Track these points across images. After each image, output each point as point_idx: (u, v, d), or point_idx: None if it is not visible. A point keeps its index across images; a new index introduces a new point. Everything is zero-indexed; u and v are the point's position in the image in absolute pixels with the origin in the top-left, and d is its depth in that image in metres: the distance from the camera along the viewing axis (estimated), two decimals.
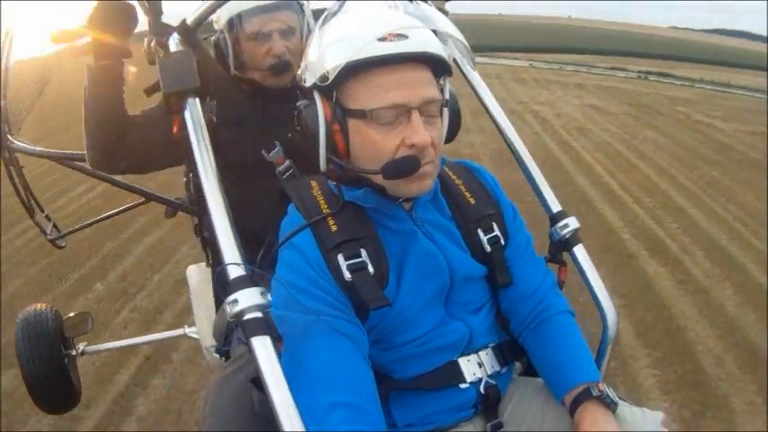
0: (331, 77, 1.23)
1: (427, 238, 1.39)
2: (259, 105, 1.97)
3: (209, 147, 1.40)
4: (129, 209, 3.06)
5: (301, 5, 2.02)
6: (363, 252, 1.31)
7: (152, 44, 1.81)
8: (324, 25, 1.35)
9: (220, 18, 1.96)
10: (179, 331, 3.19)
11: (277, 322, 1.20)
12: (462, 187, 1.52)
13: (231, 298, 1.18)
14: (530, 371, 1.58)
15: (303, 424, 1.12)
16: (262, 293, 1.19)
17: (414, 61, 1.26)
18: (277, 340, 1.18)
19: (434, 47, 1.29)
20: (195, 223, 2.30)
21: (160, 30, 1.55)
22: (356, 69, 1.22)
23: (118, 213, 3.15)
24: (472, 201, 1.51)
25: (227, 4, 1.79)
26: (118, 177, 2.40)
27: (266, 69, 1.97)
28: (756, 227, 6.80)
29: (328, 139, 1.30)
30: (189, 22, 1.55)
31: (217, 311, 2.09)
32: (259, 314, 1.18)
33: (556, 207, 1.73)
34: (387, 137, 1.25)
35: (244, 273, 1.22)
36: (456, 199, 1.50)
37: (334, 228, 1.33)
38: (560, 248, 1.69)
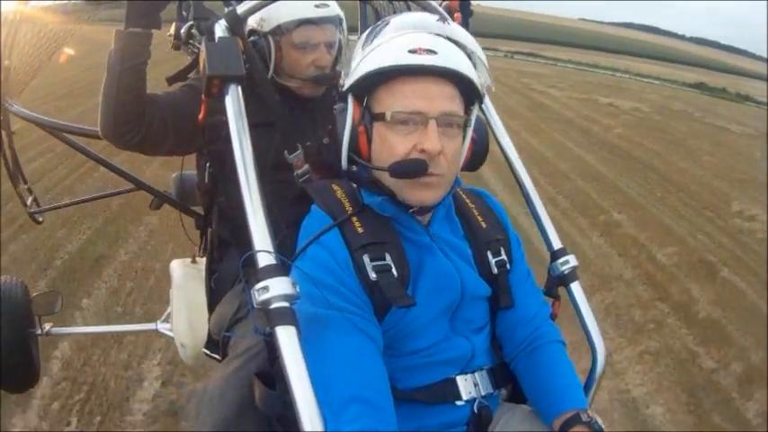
0: (359, 82, 1.31)
1: (442, 253, 1.42)
2: (286, 110, 1.95)
3: (248, 134, 1.38)
4: (113, 194, 2.98)
5: (341, 21, 2.03)
6: (388, 256, 1.33)
7: (188, 29, 1.79)
8: (368, 38, 1.41)
9: (265, 20, 1.93)
10: (150, 325, 3.10)
11: (299, 315, 1.18)
12: (475, 211, 1.56)
13: (261, 285, 1.16)
14: (514, 398, 1.60)
15: (320, 416, 1.11)
16: (292, 284, 1.17)
17: (440, 76, 1.31)
18: (299, 333, 1.16)
19: (462, 67, 1.34)
20: (197, 216, 2.25)
21: (204, 15, 1.54)
22: (385, 76, 1.30)
23: (102, 197, 3.07)
24: (484, 224, 1.55)
25: (275, 9, 1.80)
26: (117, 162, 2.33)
27: (308, 79, 1.96)
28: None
29: (353, 140, 1.37)
30: (239, 11, 1.54)
31: (212, 308, 2.02)
32: (287, 304, 1.16)
33: (557, 244, 1.76)
34: (402, 140, 1.30)
35: (274, 261, 1.21)
36: (469, 220, 1.54)
37: (360, 230, 1.34)
38: (558, 283, 1.72)
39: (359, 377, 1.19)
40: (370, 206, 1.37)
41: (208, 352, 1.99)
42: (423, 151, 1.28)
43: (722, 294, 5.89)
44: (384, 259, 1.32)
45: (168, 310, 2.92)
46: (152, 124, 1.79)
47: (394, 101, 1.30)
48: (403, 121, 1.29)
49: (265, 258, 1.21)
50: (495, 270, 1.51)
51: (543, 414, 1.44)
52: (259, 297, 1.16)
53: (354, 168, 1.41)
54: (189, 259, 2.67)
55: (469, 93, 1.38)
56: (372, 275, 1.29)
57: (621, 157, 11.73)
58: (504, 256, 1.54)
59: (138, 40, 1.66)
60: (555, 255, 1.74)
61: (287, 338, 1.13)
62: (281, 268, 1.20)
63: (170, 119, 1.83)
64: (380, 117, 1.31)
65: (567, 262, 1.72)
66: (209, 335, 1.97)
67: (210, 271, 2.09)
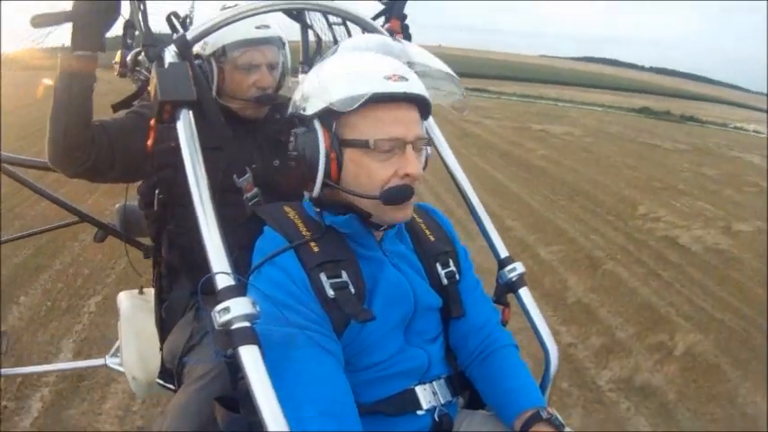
0: (340, 108, 1.27)
1: (395, 267, 1.44)
2: (230, 134, 1.93)
3: (201, 159, 1.38)
4: (57, 228, 2.90)
5: (284, 43, 2.03)
6: (344, 273, 1.34)
7: (134, 56, 1.77)
8: (324, 62, 1.42)
9: (208, 44, 1.92)
10: (99, 361, 3.01)
11: (259, 335, 1.17)
12: (423, 225, 1.59)
13: (222, 306, 1.15)
14: (471, 405, 1.63)
15: None
16: (252, 303, 1.17)
17: (410, 101, 1.34)
18: (261, 352, 1.15)
19: (424, 90, 1.37)
20: (144, 246, 2.20)
21: (152, 41, 1.53)
22: (360, 101, 1.27)
23: (47, 230, 2.99)
24: (432, 238, 1.58)
25: (223, 32, 1.78)
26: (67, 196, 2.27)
27: (250, 100, 1.95)
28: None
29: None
30: (189, 37, 1.54)
31: (163, 338, 1.98)
32: (248, 323, 1.15)
33: (504, 253, 1.80)
34: (382, 166, 1.31)
35: (233, 282, 1.20)
36: (418, 235, 1.57)
37: (315, 249, 1.34)
38: (506, 290, 1.76)
39: (324, 393, 1.20)
40: (333, 225, 1.38)
41: (162, 382, 1.94)
42: (406, 176, 1.31)
43: (601, 282, 6.24)
44: (341, 276, 1.33)
45: (117, 344, 2.83)
46: (101, 150, 1.75)
47: (371, 128, 1.30)
48: (384, 148, 1.30)
49: (224, 280, 1.20)
50: (445, 281, 1.54)
51: (503, 416, 1.47)
52: (220, 318, 1.14)
53: (324, 192, 1.39)
54: (136, 290, 2.61)
55: (424, 111, 1.41)
56: (330, 293, 1.30)
57: (534, 175, 12.16)
58: (452, 268, 1.57)
59: (84, 63, 1.62)
60: (502, 263, 1.78)
61: (251, 358, 1.12)
62: (240, 288, 1.20)
63: (118, 145, 1.79)
64: (357, 144, 1.30)
65: (514, 269, 1.75)
66: (163, 364, 1.92)
67: (160, 300, 2.05)
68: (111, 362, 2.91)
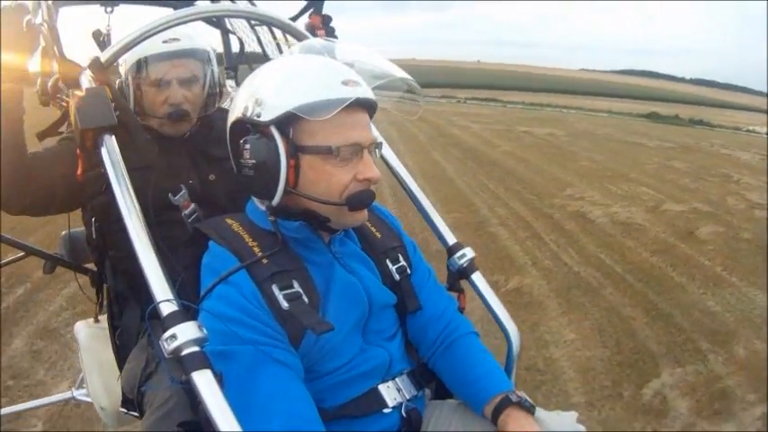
0: (306, 115, 1.24)
1: (345, 269, 1.41)
2: (158, 150, 1.87)
3: (129, 184, 1.33)
4: (7, 263, 2.78)
5: (208, 54, 1.96)
6: (295, 283, 1.30)
7: (54, 82, 1.70)
8: (273, 67, 1.40)
9: (126, 61, 1.86)
10: (66, 395, 2.91)
11: (213, 357, 1.14)
12: (368, 223, 1.56)
13: (168, 333, 1.11)
14: (438, 395, 1.62)
15: None
16: (198, 327, 1.13)
17: (362, 106, 1.33)
18: (216, 374, 1.12)
19: (372, 94, 1.36)
20: (89, 275, 2.12)
21: (69, 67, 1.46)
22: (318, 107, 1.24)
23: None
24: (378, 235, 1.56)
25: (135, 48, 1.72)
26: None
27: (163, 117, 1.88)
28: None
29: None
30: (102, 59, 1.48)
31: (121, 365, 1.92)
32: (197, 348, 1.12)
33: (451, 239, 1.80)
34: (342, 171, 1.30)
35: (177, 308, 1.16)
36: (363, 233, 1.55)
37: (264, 261, 1.31)
38: (459, 277, 1.75)
39: (284, 408, 1.18)
40: (283, 232, 1.35)
41: (125, 411, 1.89)
42: (366, 180, 1.31)
43: (476, 239, 6.73)
44: (292, 287, 1.30)
45: (81, 375, 2.75)
46: (39, 184, 1.68)
47: (332, 134, 1.28)
48: (345, 154, 1.28)
49: (168, 307, 1.16)
50: (397, 276, 1.53)
51: (472, 403, 1.46)
52: (169, 346, 1.11)
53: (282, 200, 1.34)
54: (91, 319, 2.51)
55: (372, 117, 1.40)
56: (285, 305, 1.26)
57: (482, 164, 12.67)
58: (403, 262, 1.56)
59: (13, 95, 1.56)
60: (451, 250, 1.78)
61: (205, 382, 1.09)
62: (186, 314, 1.16)
63: (57, 176, 1.72)
64: (317, 150, 1.28)
65: (464, 255, 1.75)
66: (124, 393, 1.86)
67: (113, 327, 1.98)
68: (79, 394, 2.82)
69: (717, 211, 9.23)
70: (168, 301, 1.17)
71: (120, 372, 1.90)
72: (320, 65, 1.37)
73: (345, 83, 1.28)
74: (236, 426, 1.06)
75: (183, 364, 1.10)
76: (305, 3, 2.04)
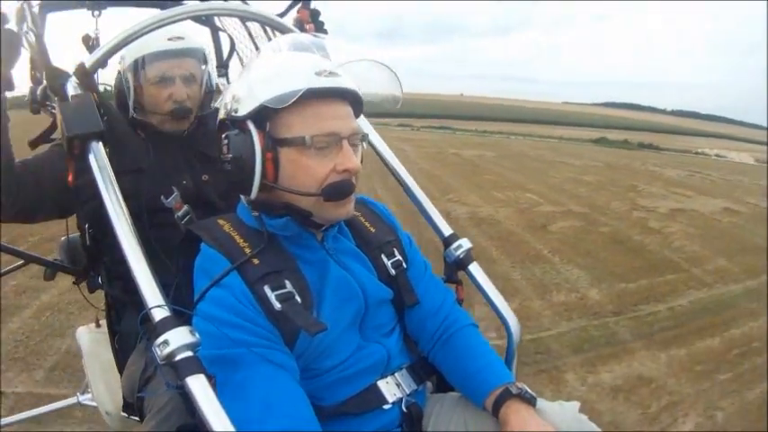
0: (273, 105, 1.21)
1: (339, 266, 1.38)
2: (152, 150, 1.85)
3: (118, 190, 1.31)
4: (7, 273, 2.75)
5: (205, 55, 1.95)
6: (288, 283, 1.27)
7: (43, 91, 1.66)
8: (251, 64, 1.36)
9: (124, 59, 1.85)
10: (71, 400, 2.89)
11: (207, 361, 1.12)
12: (362, 218, 1.54)
13: (161, 339, 1.10)
14: (440, 388, 1.59)
15: None
16: (191, 332, 1.11)
17: (341, 97, 1.29)
18: (209, 378, 1.10)
19: (354, 85, 1.32)
20: (87, 280, 2.09)
21: (54, 74, 1.43)
22: (291, 99, 1.21)
23: None
24: (373, 230, 1.53)
25: (133, 46, 1.71)
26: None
27: (166, 114, 1.87)
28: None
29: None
30: (87, 65, 1.45)
31: (121, 369, 1.90)
32: (190, 353, 1.10)
33: (447, 231, 1.77)
34: (320, 163, 1.26)
35: (169, 314, 1.14)
36: (358, 228, 1.51)
37: (255, 261, 1.28)
38: (456, 268, 1.72)
39: (280, 409, 1.15)
40: (272, 229, 1.32)
41: (126, 415, 1.87)
42: (345, 171, 1.27)
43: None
44: (285, 287, 1.27)
45: (85, 380, 2.73)
46: (27, 190, 1.66)
47: (308, 124, 1.25)
48: (321, 144, 1.25)
49: (159, 312, 1.14)
50: (393, 271, 1.49)
51: (473, 396, 1.43)
52: (162, 352, 1.09)
53: (262, 195, 1.32)
54: (93, 324, 2.50)
55: (357, 107, 1.36)
56: (277, 305, 1.23)
57: (384, 177, 13.39)
58: (398, 257, 1.52)
59: None
60: (447, 241, 1.75)
61: (199, 387, 1.07)
62: (178, 319, 1.14)
63: (45, 181, 1.69)
64: (294, 142, 1.25)
65: (460, 246, 1.72)
66: (124, 398, 1.84)
67: (112, 332, 1.97)
68: (84, 399, 2.81)
69: (590, 212, 10.07)
70: (159, 306, 1.15)
71: (121, 376, 1.88)
72: (296, 58, 1.34)
73: (319, 73, 1.25)
74: (231, 429, 1.04)
75: (176, 370, 1.09)
76: None
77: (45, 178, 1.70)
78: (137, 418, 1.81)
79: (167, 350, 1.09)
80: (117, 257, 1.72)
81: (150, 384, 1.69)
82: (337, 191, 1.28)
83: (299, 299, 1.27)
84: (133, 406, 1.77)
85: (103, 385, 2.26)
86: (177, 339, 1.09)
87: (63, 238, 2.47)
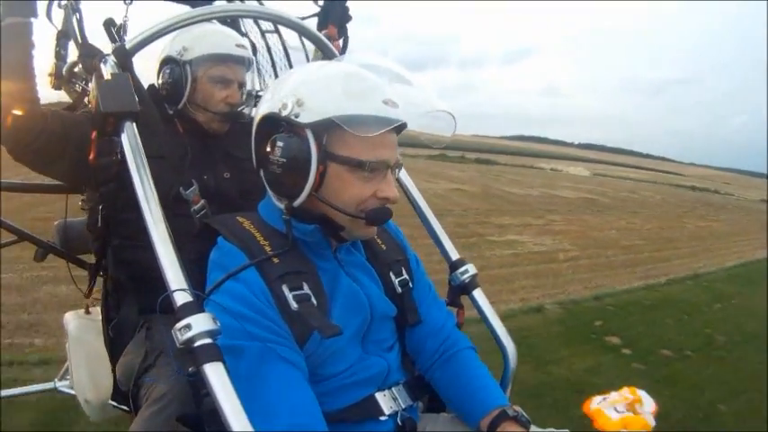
0: (346, 126, 1.18)
1: (350, 277, 1.38)
2: (188, 145, 1.83)
3: (149, 172, 1.28)
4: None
5: (251, 64, 1.98)
6: (305, 285, 1.26)
7: (70, 67, 1.62)
8: (316, 69, 1.35)
9: (188, 50, 1.83)
10: (48, 385, 2.80)
11: (223, 351, 1.09)
12: (375, 235, 1.51)
13: (183, 323, 1.06)
14: (431, 408, 1.58)
15: None
16: (213, 319, 1.08)
17: (396, 128, 1.29)
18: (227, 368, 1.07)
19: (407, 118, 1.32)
20: (91, 263, 2.03)
21: (90, 51, 1.40)
22: (358, 121, 1.20)
23: None
24: (384, 247, 1.52)
25: (198, 39, 1.72)
26: None
27: (218, 114, 1.86)
28: None
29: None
30: (128, 47, 1.43)
31: (114, 357, 1.83)
32: (210, 340, 1.06)
33: (455, 255, 1.77)
34: (364, 186, 1.26)
35: (192, 299, 1.11)
36: (370, 244, 1.50)
37: (276, 260, 1.26)
38: (460, 292, 1.72)
39: (290, 405, 1.13)
40: (297, 234, 1.30)
41: (115, 404, 1.79)
42: (386, 199, 1.28)
43: None
44: (302, 288, 1.25)
45: (65, 365, 2.64)
46: (52, 135, 1.61)
47: (365, 149, 1.23)
48: (372, 169, 1.25)
49: (182, 296, 1.11)
50: (399, 289, 1.49)
51: (468, 417, 1.43)
52: (182, 336, 1.06)
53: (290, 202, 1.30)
54: (82, 310, 2.42)
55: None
56: (294, 305, 1.22)
57: None
58: (405, 276, 1.52)
59: (19, 29, 1.49)
60: (454, 265, 1.74)
61: (216, 375, 1.04)
62: (199, 305, 1.11)
63: (72, 135, 1.65)
64: (347, 161, 1.23)
65: (466, 271, 1.72)
66: (116, 386, 1.77)
67: (107, 319, 1.89)
68: (61, 385, 2.73)
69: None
70: (182, 290, 1.12)
71: (113, 364, 1.81)
72: (368, 80, 1.30)
73: (386, 102, 1.24)
74: (244, 419, 1.02)
75: (194, 355, 1.05)
76: (319, 6, 2.03)
77: (73, 132, 1.66)
78: (125, 408, 1.73)
79: (188, 334, 1.05)
80: (127, 241, 1.69)
81: (150, 373, 1.63)
82: (380, 217, 1.29)
83: (315, 301, 1.25)
84: (125, 394, 1.70)
85: (86, 372, 2.19)
86: (200, 325, 1.06)
87: (58, 221, 2.41)
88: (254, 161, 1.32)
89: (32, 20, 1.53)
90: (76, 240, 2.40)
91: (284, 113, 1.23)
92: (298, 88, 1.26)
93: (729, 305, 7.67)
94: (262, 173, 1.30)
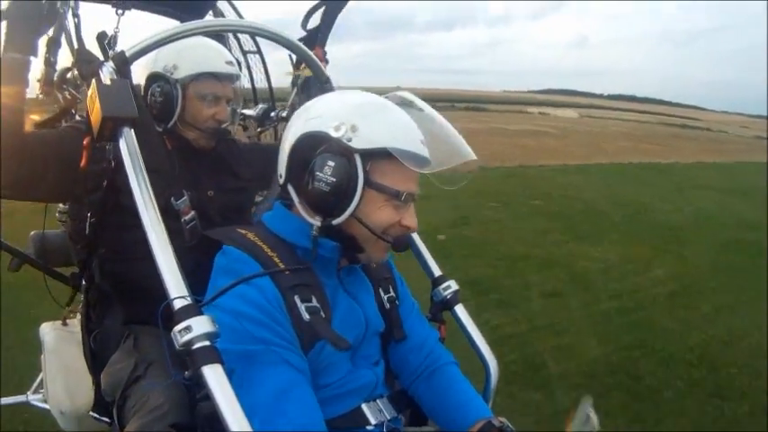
0: (399, 157, 1.26)
1: (349, 295, 1.41)
2: (175, 160, 1.80)
3: (147, 177, 1.27)
4: None
5: (240, 80, 1.98)
6: (314, 298, 1.29)
7: (62, 73, 1.61)
8: (369, 100, 1.38)
9: (178, 68, 1.81)
10: (20, 398, 2.71)
11: (225, 354, 1.09)
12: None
13: (182, 325, 1.06)
14: (412, 422, 1.59)
15: None
16: (212, 322, 1.08)
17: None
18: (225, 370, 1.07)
19: None
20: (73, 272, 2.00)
21: (88, 58, 1.40)
22: (404, 156, 1.27)
23: None
24: (374, 265, 1.54)
25: (187, 56, 1.73)
26: None
27: (206, 131, 1.85)
28: None
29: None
30: (128, 54, 1.43)
31: (96, 369, 1.79)
32: (209, 342, 1.06)
33: (437, 272, 1.79)
34: (392, 214, 1.32)
35: (191, 302, 1.11)
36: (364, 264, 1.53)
37: (286, 272, 1.28)
38: (442, 308, 1.74)
39: (292, 409, 1.14)
40: (320, 249, 1.33)
41: (96, 416, 1.75)
42: (407, 227, 1.35)
43: None
44: (311, 301, 1.29)
45: (38, 378, 2.56)
46: (33, 160, 1.57)
47: (400, 180, 1.30)
48: (402, 200, 1.31)
49: (181, 300, 1.11)
50: (388, 305, 1.53)
51: (453, 428, 1.44)
52: (181, 338, 1.05)
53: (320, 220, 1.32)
54: (59, 322, 2.36)
55: None
56: (306, 316, 1.25)
57: None
58: (392, 293, 1.56)
59: (19, 66, 1.47)
60: (436, 281, 1.77)
61: (215, 377, 1.04)
62: (198, 308, 1.11)
63: (52, 158, 1.60)
64: (386, 190, 1.29)
65: (448, 287, 1.74)
66: (101, 398, 1.73)
67: (88, 330, 1.85)
68: (34, 398, 2.64)
69: None
70: (182, 297, 1.12)
71: (95, 375, 1.77)
72: (407, 118, 1.37)
73: (422, 142, 1.33)
74: (244, 422, 1.02)
75: (193, 358, 1.05)
76: (306, 31, 2.07)
77: (52, 151, 1.61)
78: (106, 420, 1.70)
79: (188, 336, 1.05)
80: (113, 250, 1.67)
81: (139, 384, 1.59)
82: (403, 243, 1.38)
83: (323, 314, 1.28)
84: (107, 405, 1.66)
85: (63, 384, 2.14)
86: (199, 327, 1.06)
87: (34, 232, 2.36)
88: (284, 173, 1.34)
89: (32, 58, 1.51)
90: (53, 252, 2.36)
91: (335, 135, 1.26)
92: (352, 114, 1.29)
93: None
94: (293, 185, 1.33)
